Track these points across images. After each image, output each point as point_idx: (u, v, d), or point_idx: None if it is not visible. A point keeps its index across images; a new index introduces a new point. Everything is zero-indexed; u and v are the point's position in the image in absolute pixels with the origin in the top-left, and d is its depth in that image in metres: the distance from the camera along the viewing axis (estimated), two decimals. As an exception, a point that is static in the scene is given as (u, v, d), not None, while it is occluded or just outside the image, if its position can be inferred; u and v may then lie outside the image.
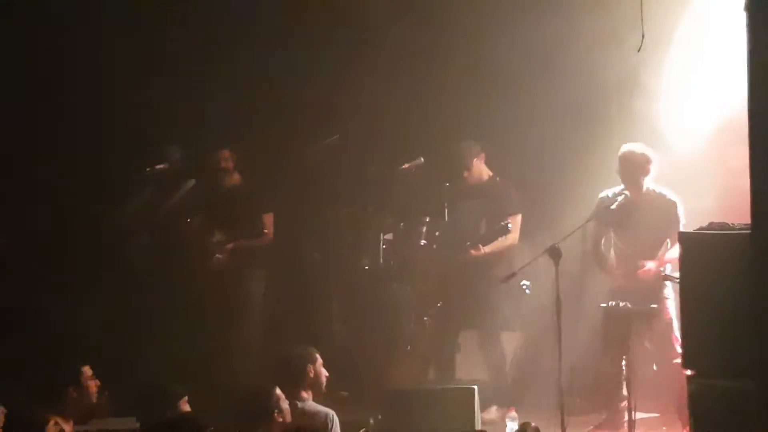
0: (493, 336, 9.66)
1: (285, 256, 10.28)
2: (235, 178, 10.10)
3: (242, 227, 9.95)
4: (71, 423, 6.96)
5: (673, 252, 8.84)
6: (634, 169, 8.93)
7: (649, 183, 9.01)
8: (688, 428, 8.03)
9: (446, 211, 9.74)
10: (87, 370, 7.09)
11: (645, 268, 8.85)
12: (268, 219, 9.99)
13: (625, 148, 8.99)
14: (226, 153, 10.06)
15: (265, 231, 9.92)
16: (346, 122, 10.78)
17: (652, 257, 8.92)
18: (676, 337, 8.58)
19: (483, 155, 9.70)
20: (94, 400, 7.09)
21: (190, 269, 9.95)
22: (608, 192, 8.98)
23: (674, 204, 8.95)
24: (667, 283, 8.86)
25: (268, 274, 10.12)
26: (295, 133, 10.72)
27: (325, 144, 10.43)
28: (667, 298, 8.87)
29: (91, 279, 10.12)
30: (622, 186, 8.93)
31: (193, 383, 7.87)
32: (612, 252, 9.09)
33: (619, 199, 8.80)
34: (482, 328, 9.69)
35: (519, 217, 9.56)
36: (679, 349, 8.53)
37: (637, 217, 8.89)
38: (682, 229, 8.81)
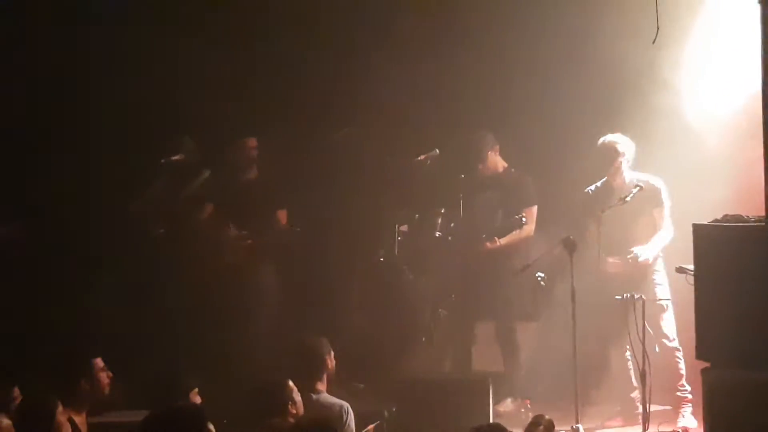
0: (509, 328, 9.66)
1: (302, 246, 10.28)
2: (254, 170, 10.11)
3: (256, 222, 9.94)
4: (84, 415, 7.01)
5: (661, 236, 8.85)
6: (605, 158, 9.05)
7: (629, 172, 9.06)
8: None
9: (461, 202, 9.72)
10: (98, 362, 7.12)
11: (639, 258, 8.86)
12: (282, 215, 9.99)
13: (599, 140, 9.13)
14: (252, 142, 10.05)
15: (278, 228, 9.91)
16: (363, 114, 10.80)
17: (640, 243, 8.94)
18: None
19: (498, 147, 9.70)
20: (107, 391, 7.12)
21: (204, 260, 9.96)
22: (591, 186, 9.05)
23: (657, 189, 9.02)
24: (659, 268, 8.88)
25: (279, 269, 10.11)
26: (313, 124, 10.73)
27: (338, 136, 10.41)
28: (659, 285, 8.89)
29: (103, 270, 10.14)
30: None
31: (206, 375, 7.92)
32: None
33: (598, 184, 8.85)
34: (498, 319, 9.69)
35: (535, 209, 9.56)
36: (671, 335, 8.66)
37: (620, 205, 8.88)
38: (667, 212, 8.89)
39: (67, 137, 10.36)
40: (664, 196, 9.02)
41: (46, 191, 10.23)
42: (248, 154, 10.03)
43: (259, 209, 9.96)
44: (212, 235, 9.92)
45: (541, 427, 6.74)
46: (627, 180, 9.06)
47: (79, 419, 6.92)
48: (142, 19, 10.42)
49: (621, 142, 9.11)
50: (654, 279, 8.98)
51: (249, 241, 9.88)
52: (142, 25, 10.39)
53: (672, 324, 8.91)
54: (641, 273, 8.94)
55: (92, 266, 10.16)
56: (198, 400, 6.97)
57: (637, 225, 9.03)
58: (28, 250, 10.00)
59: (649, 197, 8.98)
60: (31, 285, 9.86)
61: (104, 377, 7.11)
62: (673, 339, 8.88)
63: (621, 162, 9.07)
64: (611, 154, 9.08)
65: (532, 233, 9.61)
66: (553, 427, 6.88)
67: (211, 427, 5.67)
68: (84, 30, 10.37)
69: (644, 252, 8.92)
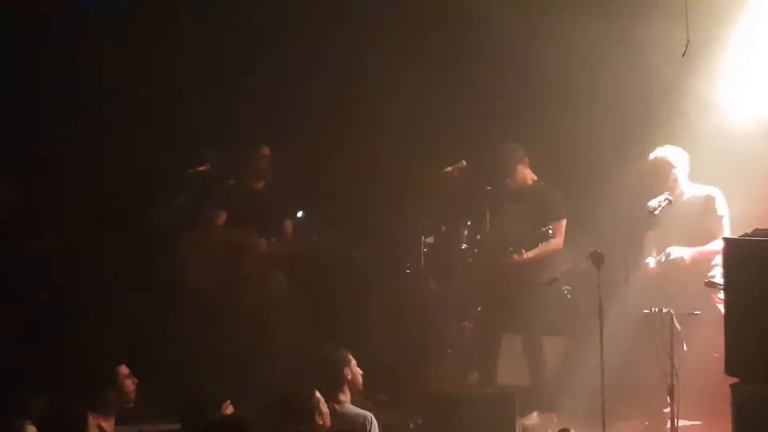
0: (535, 341, 9.63)
1: (327, 256, 10.28)
2: (267, 179, 10.10)
3: (265, 230, 9.93)
4: (112, 422, 7.03)
5: (713, 245, 8.79)
6: (659, 173, 8.97)
7: (687, 184, 8.98)
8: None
9: (488, 215, 9.69)
10: (123, 370, 7.15)
11: (671, 256, 8.81)
12: (288, 225, 10.00)
13: (651, 155, 9.04)
14: (266, 150, 10.06)
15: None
16: (389, 124, 10.80)
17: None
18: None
19: (527, 159, 9.67)
20: (132, 398, 7.14)
21: (227, 268, 9.96)
22: (654, 201, 8.94)
23: (712, 198, 8.92)
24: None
25: (302, 277, 10.10)
26: (339, 134, 10.73)
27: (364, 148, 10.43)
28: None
29: (127, 279, 10.16)
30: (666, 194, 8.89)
31: (232, 385, 7.92)
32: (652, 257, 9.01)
33: (663, 204, 8.74)
34: (524, 332, 9.65)
35: (563, 222, 9.52)
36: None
37: (676, 218, 8.81)
38: (726, 222, 8.81)
39: (91, 149, 10.39)
40: (719, 204, 8.92)
41: (71, 203, 10.25)
42: (263, 161, 10.02)
43: (266, 217, 9.94)
44: (238, 242, 9.89)
45: None
46: (686, 192, 8.98)
47: (108, 426, 6.94)
48: (160, 27, 10.45)
49: (673, 154, 9.01)
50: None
51: (276, 249, 9.84)
52: (161, 34, 10.44)
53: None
54: (692, 292, 8.79)
55: (114, 275, 10.18)
56: (230, 410, 6.97)
57: (688, 236, 8.94)
58: (51, 259, 10.02)
59: (703, 208, 8.91)
60: (57, 293, 9.88)
61: (130, 384, 7.14)
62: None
63: (676, 174, 8.98)
64: (665, 167, 9.00)
65: (560, 246, 9.57)
66: None
67: None
68: (104, 42, 10.41)
69: (679, 252, 8.82)
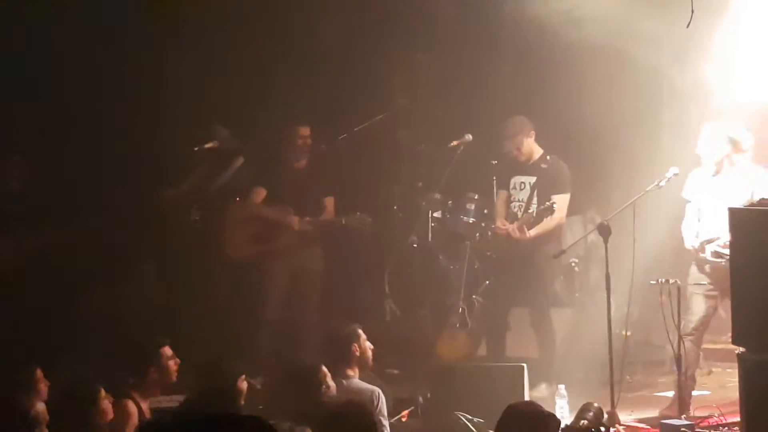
0: (543, 313, 9.64)
1: (338, 231, 10.30)
2: (306, 159, 10.05)
3: (306, 207, 9.91)
4: (148, 401, 7.11)
5: None
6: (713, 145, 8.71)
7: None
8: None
9: (495, 188, 9.70)
10: (167, 350, 7.24)
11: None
12: (330, 202, 9.97)
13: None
14: (305, 130, 9.99)
15: (327, 213, 9.91)
16: (397, 100, 10.81)
17: None
18: None
19: (533, 133, 9.63)
20: (174, 378, 7.24)
21: (249, 243, 9.99)
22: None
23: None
24: None
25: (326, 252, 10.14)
26: (347, 111, 10.74)
27: (372, 123, 10.40)
28: None
29: (142, 259, 10.22)
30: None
31: (244, 359, 7.96)
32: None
33: (669, 176, 8.66)
34: (532, 305, 9.66)
35: (567, 196, 9.47)
36: None
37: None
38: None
39: (103, 129, 10.41)
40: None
41: (84, 183, 10.28)
42: (301, 141, 10.02)
43: (306, 194, 9.97)
44: (274, 219, 9.91)
45: (591, 414, 6.75)
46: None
47: (144, 405, 7.03)
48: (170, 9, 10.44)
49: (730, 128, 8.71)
50: None
51: (309, 226, 9.85)
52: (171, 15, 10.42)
53: None
54: None
55: (131, 255, 10.22)
56: (245, 386, 7.03)
57: None
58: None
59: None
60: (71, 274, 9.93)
61: (172, 365, 7.23)
62: None
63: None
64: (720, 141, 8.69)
65: (563, 221, 9.54)
66: (603, 414, 6.90)
67: None
68: (110, 21, 10.40)
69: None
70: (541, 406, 5.97)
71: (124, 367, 7.26)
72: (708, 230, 8.53)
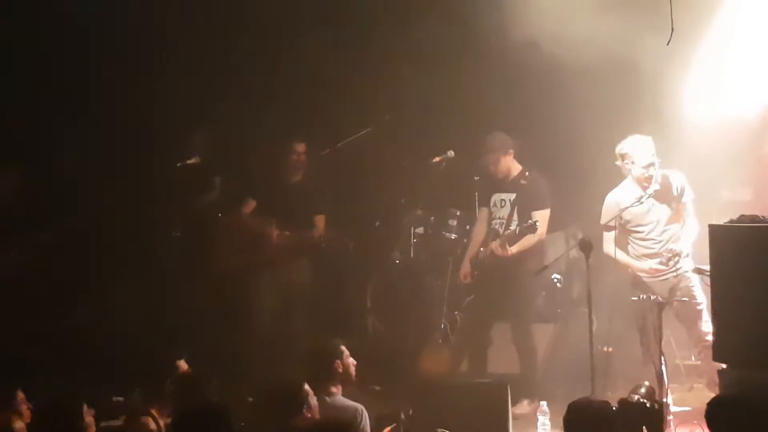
0: (525, 329, 9.64)
1: (321, 247, 10.30)
2: (300, 174, 10.08)
3: (295, 222, 9.93)
4: (165, 417, 7.10)
5: (687, 231, 8.74)
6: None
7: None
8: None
9: (476, 205, 9.71)
10: (182, 364, 7.25)
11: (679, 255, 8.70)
12: (320, 220, 9.99)
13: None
14: (300, 146, 10.03)
15: (316, 230, 9.92)
16: (380, 115, 10.83)
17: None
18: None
19: (512, 151, 9.63)
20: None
21: (236, 257, 9.98)
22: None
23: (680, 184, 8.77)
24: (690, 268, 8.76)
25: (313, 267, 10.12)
26: (330, 126, 10.75)
27: (356, 138, 10.42)
28: (694, 285, 8.76)
29: (124, 272, 10.18)
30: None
31: (224, 376, 7.94)
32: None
33: (650, 192, 8.70)
34: (514, 321, 9.67)
35: (547, 212, 9.48)
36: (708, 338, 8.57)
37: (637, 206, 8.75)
38: (689, 199, 8.72)
39: (89, 138, 10.38)
40: (687, 190, 8.77)
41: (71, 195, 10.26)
42: (295, 157, 10.01)
43: (296, 210, 9.96)
44: (256, 231, 9.90)
45: (643, 390, 6.80)
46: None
47: (162, 420, 7.02)
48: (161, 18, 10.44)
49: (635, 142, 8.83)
50: (689, 279, 8.72)
51: (288, 240, 9.86)
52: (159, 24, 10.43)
53: (709, 324, 8.71)
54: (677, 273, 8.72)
55: (113, 269, 10.19)
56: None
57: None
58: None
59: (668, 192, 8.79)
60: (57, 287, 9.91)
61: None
62: None
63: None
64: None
65: (543, 237, 9.55)
66: (654, 391, 6.92)
67: None
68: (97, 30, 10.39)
69: (681, 246, 8.67)
70: (610, 406, 6.10)
71: (138, 383, 7.28)
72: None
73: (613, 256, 8.74)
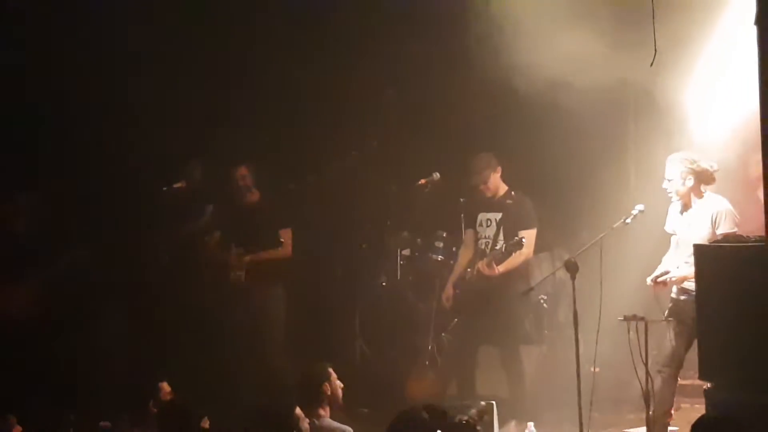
0: (512, 350, 9.65)
1: (306, 271, 10.31)
2: (254, 194, 10.13)
3: (261, 243, 9.95)
4: None
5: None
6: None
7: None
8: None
9: (463, 226, 9.72)
10: (165, 386, 7.27)
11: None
12: (286, 234, 9.99)
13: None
14: (243, 170, 10.10)
15: (282, 242, 9.91)
16: (365, 138, 10.86)
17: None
18: None
19: (500, 168, 9.68)
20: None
21: (209, 288, 10.00)
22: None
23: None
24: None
25: (288, 292, 10.13)
26: (317, 149, 10.78)
27: (343, 161, 10.46)
28: None
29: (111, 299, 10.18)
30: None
31: (214, 402, 7.94)
32: None
33: (635, 213, 8.72)
34: (501, 343, 9.68)
35: (533, 232, 9.50)
36: None
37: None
38: (726, 230, 8.61)
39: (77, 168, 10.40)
40: (724, 222, 8.43)
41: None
42: (241, 182, 10.06)
43: (261, 231, 9.97)
44: (215, 260, 9.94)
45: (473, 411, 6.85)
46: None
47: None
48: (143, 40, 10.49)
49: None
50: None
51: (247, 258, 9.89)
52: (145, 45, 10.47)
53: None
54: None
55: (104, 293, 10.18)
56: (207, 425, 7.04)
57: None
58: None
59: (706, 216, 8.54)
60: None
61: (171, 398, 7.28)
62: None
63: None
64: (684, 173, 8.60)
65: (530, 256, 9.57)
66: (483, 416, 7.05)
67: None
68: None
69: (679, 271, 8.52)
70: None
71: (121, 405, 7.30)
72: (665, 265, 8.60)
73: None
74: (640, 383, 8.40)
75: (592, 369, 8.74)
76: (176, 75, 10.58)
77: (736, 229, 8.25)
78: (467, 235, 9.75)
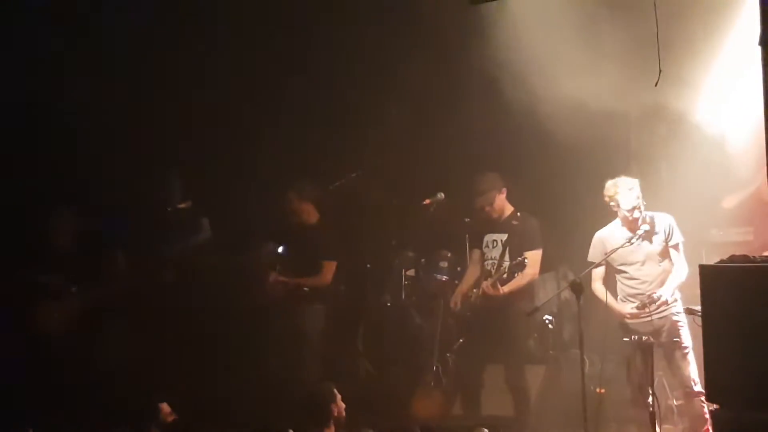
0: (518, 370, 9.57)
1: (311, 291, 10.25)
2: (309, 219, 10.01)
3: (303, 269, 9.88)
4: None
5: (675, 275, 8.69)
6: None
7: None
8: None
9: (468, 246, 9.65)
10: (165, 407, 7.28)
11: (658, 299, 8.64)
12: (330, 265, 9.87)
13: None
14: (290, 195, 9.97)
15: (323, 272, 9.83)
16: (370, 158, 10.83)
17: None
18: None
19: (505, 190, 9.60)
20: None
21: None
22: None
23: (669, 226, 8.74)
24: (679, 310, 8.71)
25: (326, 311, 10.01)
26: (322, 169, 10.74)
27: (345, 181, 10.41)
28: (682, 327, 8.73)
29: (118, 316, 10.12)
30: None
31: (219, 422, 7.91)
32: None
33: (640, 233, 8.69)
34: (506, 362, 9.60)
35: (539, 252, 9.41)
36: (695, 379, 8.53)
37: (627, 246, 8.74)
38: (678, 242, 8.68)
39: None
40: (676, 233, 8.75)
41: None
42: (289, 207, 9.96)
43: (306, 257, 9.89)
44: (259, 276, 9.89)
45: None
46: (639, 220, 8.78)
47: None
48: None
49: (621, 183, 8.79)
50: (678, 321, 8.69)
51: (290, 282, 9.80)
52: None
53: (694, 368, 8.63)
54: (662, 315, 8.68)
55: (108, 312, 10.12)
56: None
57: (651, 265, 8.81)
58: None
59: (655, 234, 8.77)
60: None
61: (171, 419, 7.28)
62: (697, 383, 8.63)
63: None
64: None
65: (535, 277, 9.48)
66: None
67: None
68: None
69: (663, 292, 8.63)
70: None
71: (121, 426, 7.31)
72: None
73: (600, 295, 8.74)
74: (644, 403, 8.35)
75: (598, 389, 8.69)
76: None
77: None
78: (474, 255, 9.66)
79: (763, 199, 9.45)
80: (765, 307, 6.86)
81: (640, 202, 8.63)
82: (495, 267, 9.45)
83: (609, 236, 8.78)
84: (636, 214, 8.63)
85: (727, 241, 9.53)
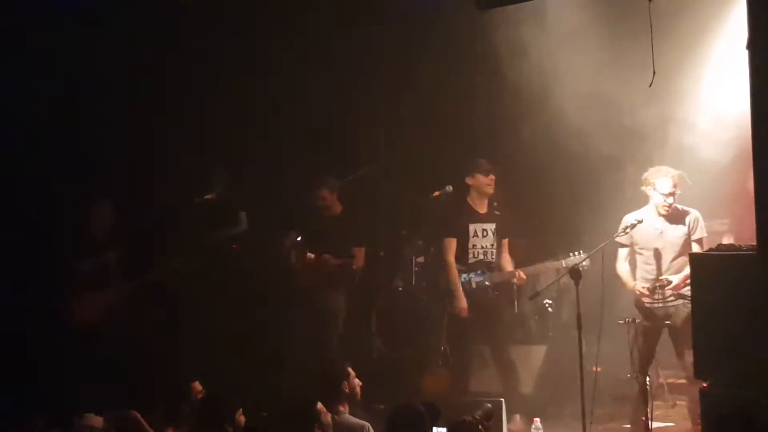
0: (519, 350, 9.75)
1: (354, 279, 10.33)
2: (336, 210, 10.12)
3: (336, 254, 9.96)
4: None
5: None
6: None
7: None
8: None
9: (470, 235, 9.79)
10: (197, 386, 7.37)
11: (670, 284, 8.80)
12: (360, 252, 10.01)
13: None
14: (323, 190, 10.06)
15: (354, 258, 9.91)
16: (384, 152, 10.96)
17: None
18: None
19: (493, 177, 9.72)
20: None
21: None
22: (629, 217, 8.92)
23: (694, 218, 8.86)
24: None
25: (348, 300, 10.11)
26: (339, 162, 10.85)
27: (360, 173, 10.55)
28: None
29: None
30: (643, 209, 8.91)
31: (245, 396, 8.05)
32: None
33: (634, 222, 8.84)
34: (507, 343, 9.78)
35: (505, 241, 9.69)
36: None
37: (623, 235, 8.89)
38: (701, 237, 8.81)
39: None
40: (700, 228, 8.84)
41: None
42: (321, 202, 10.06)
43: (338, 244, 9.97)
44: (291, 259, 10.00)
45: (481, 412, 7.09)
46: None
47: None
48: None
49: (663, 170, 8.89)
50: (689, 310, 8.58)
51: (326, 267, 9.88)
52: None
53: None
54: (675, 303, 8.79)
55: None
56: (242, 419, 7.13)
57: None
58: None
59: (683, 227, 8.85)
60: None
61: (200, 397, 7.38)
62: None
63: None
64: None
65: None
66: (491, 415, 7.27)
67: None
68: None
69: (675, 280, 8.73)
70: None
71: (155, 404, 7.36)
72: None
73: (621, 274, 8.91)
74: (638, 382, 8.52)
75: (594, 368, 8.85)
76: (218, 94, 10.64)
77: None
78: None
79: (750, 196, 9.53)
80: (750, 292, 7.05)
81: (676, 190, 8.77)
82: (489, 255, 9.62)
83: (637, 219, 8.83)
84: (670, 200, 8.74)
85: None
